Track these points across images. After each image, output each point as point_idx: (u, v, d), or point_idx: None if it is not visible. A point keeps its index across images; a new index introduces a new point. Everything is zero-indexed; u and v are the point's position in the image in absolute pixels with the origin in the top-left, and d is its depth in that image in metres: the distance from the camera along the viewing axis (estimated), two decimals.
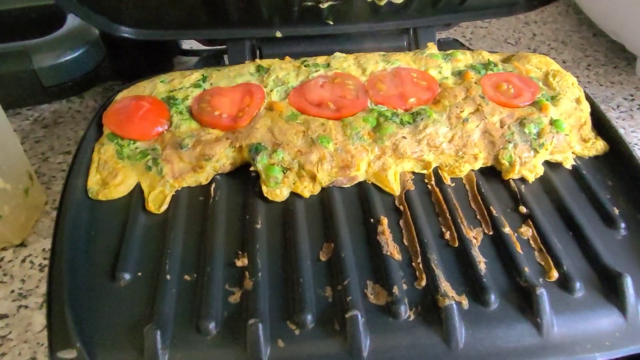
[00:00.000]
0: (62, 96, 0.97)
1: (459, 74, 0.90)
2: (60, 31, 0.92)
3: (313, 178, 0.73)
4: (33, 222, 0.89)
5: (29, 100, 0.96)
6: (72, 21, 0.95)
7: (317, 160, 0.74)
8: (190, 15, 0.94)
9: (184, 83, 0.87)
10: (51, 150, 1.05)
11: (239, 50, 1.02)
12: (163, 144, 0.76)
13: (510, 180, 0.74)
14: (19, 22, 0.96)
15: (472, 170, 0.77)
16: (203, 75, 0.89)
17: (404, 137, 0.76)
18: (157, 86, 0.86)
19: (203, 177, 0.74)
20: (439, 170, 0.76)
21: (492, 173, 0.76)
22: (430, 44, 0.97)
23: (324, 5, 0.95)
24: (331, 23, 1.05)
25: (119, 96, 0.85)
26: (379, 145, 0.76)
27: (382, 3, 0.96)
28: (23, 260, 0.84)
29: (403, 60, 0.92)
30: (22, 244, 0.86)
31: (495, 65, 0.91)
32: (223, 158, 0.75)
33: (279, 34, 1.03)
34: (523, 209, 0.70)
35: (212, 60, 1.03)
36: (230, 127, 0.78)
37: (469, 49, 1.04)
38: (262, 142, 0.75)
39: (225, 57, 1.05)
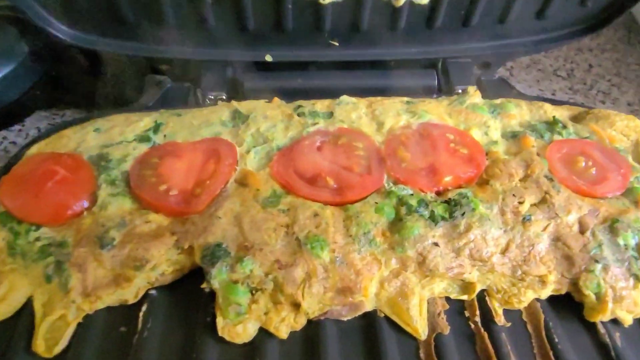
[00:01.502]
0: None
1: (513, 137, 0.64)
2: None
3: (296, 306, 0.48)
4: None
5: None
6: None
7: (303, 278, 0.49)
8: (155, 15, 0.69)
9: (126, 134, 0.62)
10: None
11: (215, 79, 0.77)
12: (78, 236, 0.51)
13: (598, 322, 0.49)
14: None
15: (537, 299, 0.51)
16: (156, 122, 0.64)
17: (436, 244, 0.51)
18: (87, 137, 0.61)
19: (130, 294, 0.50)
20: (487, 298, 0.51)
21: (567, 306, 0.51)
22: (471, 89, 0.71)
23: (325, 1, 0.68)
24: (336, 44, 0.80)
25: (34, 149, 0.61)
26: (397, 255, 0.51)
27: (401, 3, 0.69)
28: None
29: (434, 112, 0.67)
30: None
31: (564, 126, 0.65)
32: (163, 264, 0.50)
33: (269, 58, 0.78)
34: None
35: (183, 92, 0.77)
36: (181, 213, 0.53)
37: (520, 93, 0.78)
38: (224, 243, 0.50)
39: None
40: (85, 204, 0.54)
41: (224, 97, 0.76)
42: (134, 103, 0.78)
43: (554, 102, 0.71)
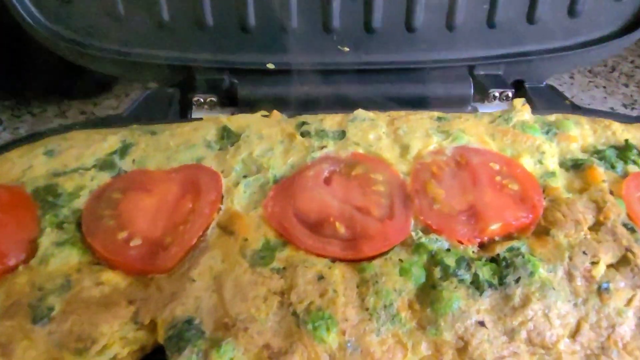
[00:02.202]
0: None
1: (575, 168, 0.50)
2: None
3: None
4: None
5: None
6: None
7: None
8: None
9: (84, 158, 0.49)
10: None
11: (206, 85, 0.65)
12: (6, 302, 0.39)
13: None
14: None
15: None
16: (124, 142, 0.51)
17: (482, 324, 0.38)
18: (34, 162, 0.49)
19: None
20: None
21: None
22: (517, 102, 0.57)
23: None
24: (346, 49, 0.66)
25: None
26: (429, 338, 0.38)
27: None
28: None
29: (473, 131, 0.53)
30: None
31: None
32: (116, 344, 0.38)
33: (271, 66, 0.65)
34: None
35: (166, 99, 0.65)
36: (143, 271, 0.41)
37: (575, 105, 0.64)
38: (196, 318, 0.38)
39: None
40: (21, 256, 0.41)
41: (215, 100, 0.64)
42: (107, 103, 0.67)
43: (624, 119, 0.57)
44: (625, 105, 0.82)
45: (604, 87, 0.86)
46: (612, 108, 0.81)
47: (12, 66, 0.77)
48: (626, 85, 0.86)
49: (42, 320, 0.38)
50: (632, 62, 0.92)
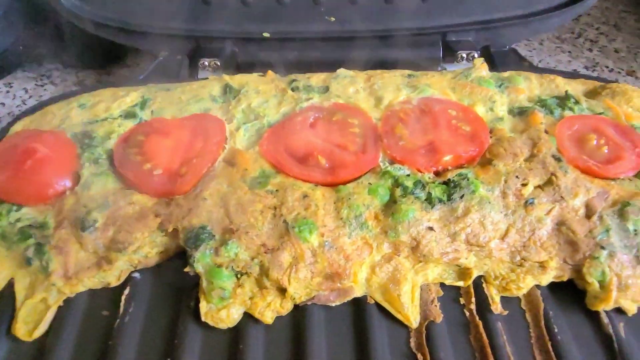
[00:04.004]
0: None
1: (521, 114, 0.60)
2: None
3: (282, 291, 0.46)
4: None
5: None
6: None
7: (290, 263, 0.47)
8: None
9: (111, 110, 0.59)
10: None
11: (212, 53, 0.75)
12: (59, 216, 0.49)
13: (601, 312, 0.46)
14: None
15: (537, 286, 0.49)
16: (143, 97, 0.61)
17: (431, 229, 0.49)
18: (71, 113, 0.59)
19: (112, 276, 0.48)
20: (484, 284, 0.49)
21: (569, 294, 0.48)
22: (477, 61, 0.67)
23: None
24: (332, 19, 0.76)
25: (18, 126, 0.59)
26: (390, 240, 0.48)
27: None
28: None
29: (437, 86, 0.63)
30: None
31: (577, 102, 0.60)
32: (146, 246, 0.49)
33: (267, 35, 0.75)
34: None
35: (175, 64, 0.75)
36: (165, 193, 0.51)
37: (532, 65, 0.73)
38: (208, 225, 0.48)
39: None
40: (68, 183, 0.52)
41: (218, 64, 0.74)
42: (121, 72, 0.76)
43: (569, 75, 0.67)
44: (587, 67, 0.91)
45: (569, 51, 0.95)
46: (575, 70, 0.90)
47: (36, 43, 0.86)
48: (590, 50, 0.95)
49: (89, 228, 0.48)
50: (597, 29, 1.01)
